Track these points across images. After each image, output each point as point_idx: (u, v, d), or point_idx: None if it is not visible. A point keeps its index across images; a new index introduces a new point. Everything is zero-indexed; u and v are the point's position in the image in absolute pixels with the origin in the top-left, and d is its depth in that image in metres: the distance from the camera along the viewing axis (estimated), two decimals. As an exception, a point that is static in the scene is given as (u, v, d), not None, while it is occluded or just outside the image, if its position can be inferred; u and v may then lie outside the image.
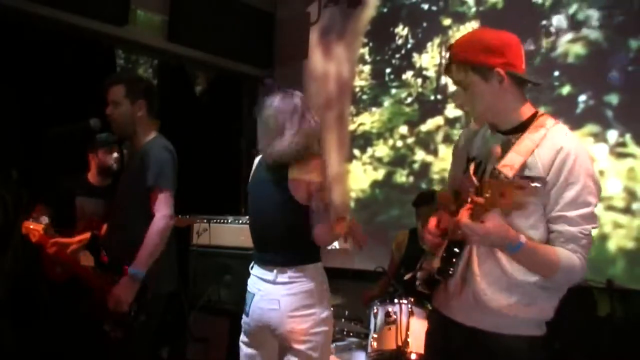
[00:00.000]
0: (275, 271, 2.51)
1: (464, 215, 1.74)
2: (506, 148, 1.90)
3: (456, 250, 1.90)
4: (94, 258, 3.01)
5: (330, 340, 2.56)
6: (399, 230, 4.55)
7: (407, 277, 2.10)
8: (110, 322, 2.79)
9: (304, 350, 2.44)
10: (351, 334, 3.84)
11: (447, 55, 1.98)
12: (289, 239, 2.51)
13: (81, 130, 3.16)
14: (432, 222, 1.99)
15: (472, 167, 1.96)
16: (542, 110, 2.01)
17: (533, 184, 1.68)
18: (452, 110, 4.85)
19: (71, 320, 3.30)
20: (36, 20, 4.31)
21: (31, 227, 3.27)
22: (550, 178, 1.82)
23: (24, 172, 3.80)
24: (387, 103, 5.29)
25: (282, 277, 2.49)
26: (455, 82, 1.96)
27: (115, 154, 3.85)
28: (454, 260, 1.90)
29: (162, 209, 2.78)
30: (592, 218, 1.84)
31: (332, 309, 2.58)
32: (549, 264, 1.82)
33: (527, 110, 1.95)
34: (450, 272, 1.90)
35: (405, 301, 3.32)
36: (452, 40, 4.16)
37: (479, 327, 1.92)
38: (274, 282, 2.50)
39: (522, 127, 1.92)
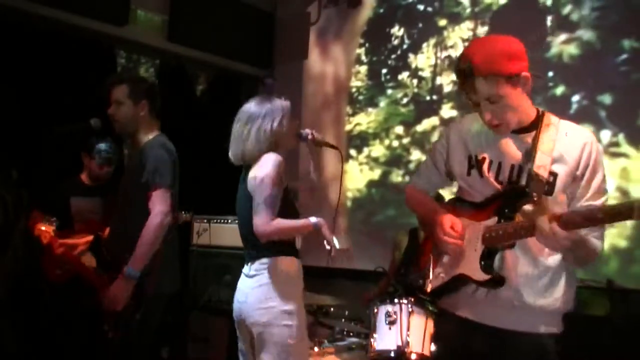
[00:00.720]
0: (248, 265, 2.64)
1: (556, 228, 1.74)
2: (522, 148, 1.95)
3: (493, 257, 1.92)
4: (96, 259, 3.01)
5: (300, 335, 2.54)
6: (395, 230, 4.56)
7: (428, 288, 2.07)
8: (110, 322, 2.79)
9: (268, 342, 2.50)
10: (351, 334, 3.84)
11: (462, 69, 1.89)
12: (253, 235, 2.55)
13: (81, 130, 3.16)
14: (447, 224, 1.97)
15: (486, 168, 1.99)
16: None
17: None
18: (447, 111, 4.86)
19: (71, 320, 3.30)
20: (36, 21, 4.31)
21: (42, 229, 3.27)
22: (581, 171, 1.90)
23: (25, 172, 3.81)
24: (383, 103, 5.30)
25: (252, 271, 2.60)
26: (483, 99, 1.89)
27: (108, 169, 3.85)
28: (494, 267, 1.91)
29: (158, 206, 2.78)
30: (604, 200, 1.93)
31: (300, 303, 2.59)
32: (592, 252, 1.90)
33: (532, 108, 2.00)
34: (501, 279, 1.90)
35: (405, 301, 3.32)
36: (448, 42, 4.20)
37: (510, 328, 1.94)
38: (247, 276, 2.62)
39: (533, 126, 1.96)
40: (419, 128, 5.04)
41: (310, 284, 3.91)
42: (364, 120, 5.40)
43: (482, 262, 1.91)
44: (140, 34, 4.91)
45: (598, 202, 1.90)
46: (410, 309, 3.27)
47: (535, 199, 1.87)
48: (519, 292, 1.92)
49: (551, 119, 1.97)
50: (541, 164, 1.89)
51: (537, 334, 1.94)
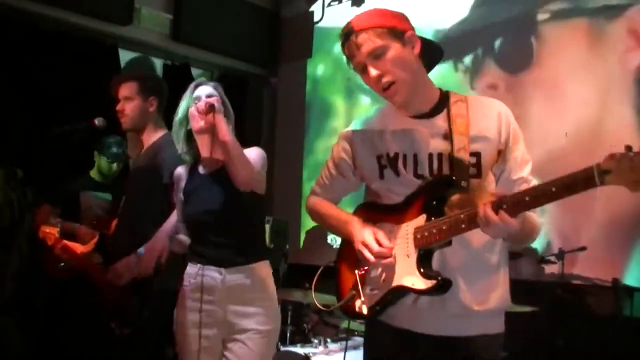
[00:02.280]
0: None
1: (505, 216, 1.55)
2: (435, 133, 1.78)
3: (430, 259, 1.70)
4: (102, 256, 3.01)
5: None
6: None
7: (365, 310, 1.76)
8: (116, 319, 2.79)
9: None
10: (356, 333, 3.83)
11: (343, 33, 1.78)
12: None
13: (84, 129, 3.16)
14: (368, 236, 1.73)
15: (401, 164, 1.80)
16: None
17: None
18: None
19: (77, 318, 3.31)
20: (40, 20, 4.31)
21: (47, 230, 3.28)
22: (503, 143, 1.77)
23: (29, 172, 3.82)
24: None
25: None
26: (366, 55, 1.74)
27: (118, 166, 3.87)
28: (434, 270, 1.70)
29: None
30: (529, 161, 1.82)
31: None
32: (536, 230, 1.77)
33: (434, 88, 1.86)
34: (447, 282, 1.66)
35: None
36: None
37: (458, 335, 1.75)
38: None
39: (441, 106, 1.81)
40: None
41: (315, 283, 3.92)
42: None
43: (421, 269, 1.68)
44: (144, 33, 4.91)
45: (525, 171, 1.77)
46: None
47: (464, 185, 1.69)
48: (463, 295, 1.72)
49: (457, 96, 1.83)
50: (460, 146, 1.72)
51: (486, 336, 1.76)
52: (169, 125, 3.14)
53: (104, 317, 2.84)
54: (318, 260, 4.87)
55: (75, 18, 4.44)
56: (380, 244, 1.71)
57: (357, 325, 3.91)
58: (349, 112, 5.33)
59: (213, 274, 2.42)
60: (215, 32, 5.26)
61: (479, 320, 1.76)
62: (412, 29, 1.80)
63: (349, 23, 1.79)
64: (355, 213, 1.93)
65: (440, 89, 1.87)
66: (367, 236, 1.74)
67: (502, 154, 1.77)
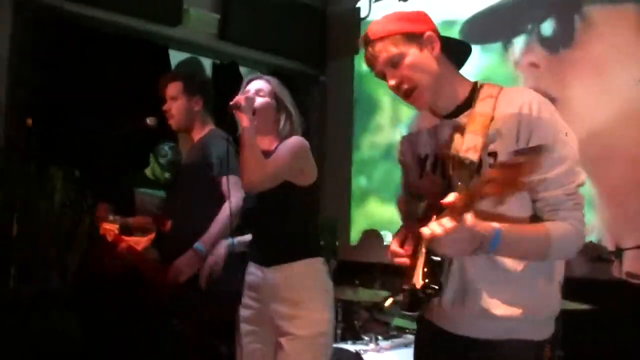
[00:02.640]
0: None
1: (427, 227, 1.49)
2: (456, 132, 1.71)
3: (436, 259, 1.63)
4: (160, 253, 3.07)
5: None
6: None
7: (387, 304, 1.79)
8: (175, 315, 2.84)
9: None
10: (407, 331, 3.81)
11: (362, 41, 1.78)
12: None
13: (138, 129, 3.23)
14: (396, 242, 1.75)
15: (429, 165, 1.79)
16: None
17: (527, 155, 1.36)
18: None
19: (135, 313, 3.38)
20: (95, 24, 4.41)
21: (107, 227, 3.37)
22: (521, 142, 1.61)
23: (87, 172, 3.92)
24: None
25: None
26: (384, 64, 1.73)
27: (171, 172, 3.92)
28: (437, 271, 1.64)
29: (236, 193, 2.80)
30: (573, 174, 1.62)
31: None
32: (539, 242, 1.60)
33: (465, 85, 1.78)
34: (438, 287, 1.62)
35: (404, 307, 3.26)
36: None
37: (480, 337, 1.71)
38: None
39: (467, 104, 1.73)
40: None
41: (365, 280, 3.92)
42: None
43: (425, 269, 1.64)
44: (193, 33, 4.98)
45: (550, 173, 1.58)
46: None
47: (460, 189, 1.57)
48: (484, 299, 1.67)
49: (490, 90, 1.72)
50: (470, 146, 1.64)
51: (515, 341, 1.68)
52: (217, 124, 3.19)
53: (163, 313, 2.89)
54: (369, 257, 4.91)
55: (127, 20, 4.53)
56: (399, 252, 1.72)
57: (408, 322, 3.88)
58: (395, 108, 5.29)
59: (256, 272, 2.43)
60: (262, 30, 5.28)
61: (504, 324, 1.68)
62: (432, 28, 1.76)
63: (365, 33, 1.78)
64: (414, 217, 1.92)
65: (476, 83, 1.78)
66: (392, 241, 1.79)
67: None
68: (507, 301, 1.67)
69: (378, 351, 3.47)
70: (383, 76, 1.77)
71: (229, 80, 5.27)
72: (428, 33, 1.73)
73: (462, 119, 1.73)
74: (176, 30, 4.83)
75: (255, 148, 2.30)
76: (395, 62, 1.72)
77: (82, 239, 3.77)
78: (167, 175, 3.92)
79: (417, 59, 1.72)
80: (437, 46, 1.73)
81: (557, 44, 4.30)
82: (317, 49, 5.80)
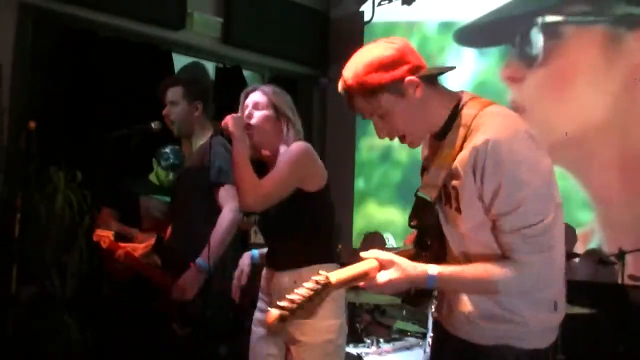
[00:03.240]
0: None
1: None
2: (427, 165, 1.71)
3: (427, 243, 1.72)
4: (161, 258, 3.08)
5: None
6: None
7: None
8: (178, 319, 2.84)
9: None
10: (409, 334, 3.81)
11: (342, 91, 1.69)
12: None
13: (142, 133, 3.24)
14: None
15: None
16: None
17: None
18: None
19: (138, 318, 3.38)
20: (98, 27, 4.43)
21: (101, 234, 3.37)
22: (477, 184, 1.55)
23: (88, 175, 3.94)
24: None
25: None
26: (367, 115, 1.69)
27: (173, 175, 3.93)
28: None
29: (230, 203, 2.82)
30: (534, 214, 1.53)
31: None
32: (482, 283, 1.59)
33: (447, 106, 1.67)
34: (426, 295, 1.76)
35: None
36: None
37: (478, 341, 1.69)
38: None
39: (444, 131, 1.66)
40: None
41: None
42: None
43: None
44: (196, 37, 5.00)
45: (504, 220, 1.54)
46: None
47: (414, 224, 1.65)
48: (470, 306, 1.68)
49: (467, 115, 1.62)
50: (429, 183, 1.63)
51: (503, 347, 1.66)
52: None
53: (164, 318, 2.90)
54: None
55: (131, 24, 4.55)
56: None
57: (410, 325, 3.89)
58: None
59: (268, 276, 2.45)
60: (266, 34, 5.30)
61: (495, 332, 1.66)
62: (410, 65, 1.63)
63: (343, 82, 1.68)
64: None
65: (458, 103, 1.67)
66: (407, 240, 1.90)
67: (479, 194, 1.56)
68: (495, 310, 1.65)
69: (380, 354, 3.47)
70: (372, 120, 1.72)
71: (232, 84, 5.30)
72: (408, 79, 1.62)
73: (439, 145, 1.68)
74: (179, 34, 4.85)
75: (246, 168, 2.28)
76: (381, 114, 1.66)
77: (82, 243, 3.78)
78: (169, 178, 3.93)
79: (402, 108, 1.64)
80: (420, 87, 1.63)
81: (530, 59, 4.47)
82: (320, 52, 5.81)
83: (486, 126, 1.57)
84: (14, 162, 3.80)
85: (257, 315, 2.50)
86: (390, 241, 5.02)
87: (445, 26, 5.13)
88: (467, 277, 1.61)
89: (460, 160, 1.58)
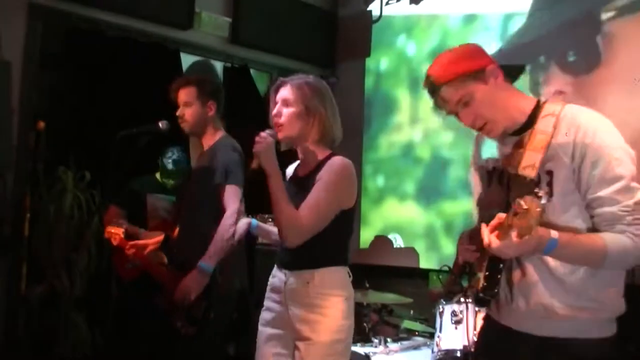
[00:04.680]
0: None
1: (492, 239, 1.65)
2: (520, 147, 1.83)
3: (499, 266, 1.81)
4: (167, 257, 3.09)
5: None
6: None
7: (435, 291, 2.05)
8: (182, 319, 2.85)
9: None
10: (416, 333, 3.81)
11: (427, 87, 1.88)
12: None
13: (150, 132, 3.25)
14: (466, 237, 1.95)
15: (495, 178, 1.94)
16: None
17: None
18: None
19: (143, 317, 3.40)
20: (106, 27, 4.45)
21: (112, 231, 3.39)
22: (576, 162, 1.73)
23: (96, 175, 3.95)
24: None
25: None
26: (455, 105, 1.85)
27: (178, 176, 3.92)
28: (498, 277, 1.83)
29: (233, 204, 2.84)
30: (629, 191, 1.70)
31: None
32: (595, 251, 1.69)
33: (528, 103, 1.88)
34: (496, 290, 1.84)
35: (471, 300, 3.27)
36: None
37: (547, 335, 1.82)
38: None
39: (530, 123, 1.84)
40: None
41: (374, 282, 3.92)
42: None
43: (486, 272, 1.83)
44: (204, 36, 5.00)
45: (604, 192, 1.70)
46: (477, 309, 3.22)
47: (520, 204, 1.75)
48: (536, 298, 1.81)
49: (552, 107, 1.82)
50: (528, 163, 1.75)
51: (567, 340, 1.79)
52: (228, 126, 3.21)
53: (170, 316, 2.91)
54: (378, 259, 4.89)
55: (139, 24, 4.56)
56: (467, 246, 1.92)
57: (417, 325, 3.89)
58: (414, 106, 5.23)
59: (280, 276, 2.44)
60: (274, 33, 5.30)
61: (566, 323, 1.79)
62: (489, 59, 1.86)
63: (428, 77, 1.87)
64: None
65: (539, 101, 1.88)
66: (462, 238, 1.98)
67: (576, 173, 1.74)
68: (569, 301, 1.78)
69: (387, 353, 3.48)
70: (455, 114, 1.88)
71: (240, 83, 5.32)
72: (490, 67, 1.83)
73: (525, 137, 1.83)
74: (187, 33, 4.86)
75: (284, 203, 2.25)
76: (466, 102, 1.83)
77: (90, 242, 3.80)
78: (173, 177, 3.93)
79: (486, 95, 1.82)
80: (500, 76, 1.84)
81: (582, 67, 4.20)
82: (328, 51, 5.81)
83: (580, 115, 1.78)
84: (22, 162, 3.82)
85: (264, 315, 2.50)
86: (399, 242, 5.02)
87: (466, 19, 5.03)
88: (583, 244, 1.71)
89: (560, 141, 1.75)
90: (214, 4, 5.06)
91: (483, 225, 1.70)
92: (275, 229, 2.45)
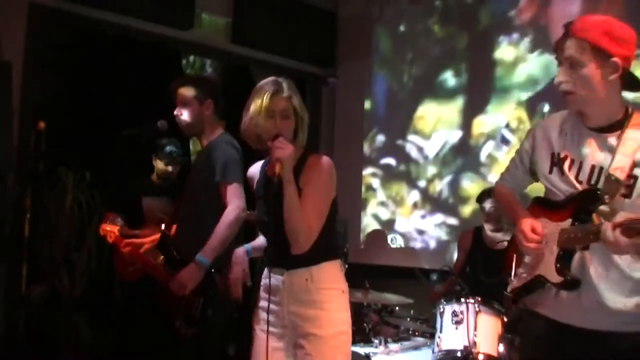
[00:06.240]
0: None
1: (618, 236, 1.71)
2: (604, 148, 1.92)
3: (570, 259, 1.90)
4: (165, 256, 3.09)
5: None
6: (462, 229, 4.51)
7: (510, 290, 2.10)
8: (180, 319, 2.85)
9: None
10: (417, 333, 3.81)
11: (564, 26, 1.93)
12: None
13: (149, 132, 3.25)
14: (527, 227, 1.98)
15: (567, 166, 1.98)
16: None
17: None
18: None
19: (143, 317, 3.40)
20: (107, 27, 4.45)
21: (107, 228, 3.39)
22: None
23: (97, 175, 3.96)
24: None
25: None
26: (565, 58, 1.91)
27: (174, 168, 3.94)
28: (570, 269, 1.90)
29: (234, 200, 2.84)
30: None
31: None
32: None
33: (620, 108, 1.95)
34: (575, 282, 1.89)
35: (472, 300, 3.27)
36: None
37: (601, 329, 1.89)
38: None
39: (618, 125, 1.92)
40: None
41: (375, 282, 3.91)
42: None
43: (557, 265, 1.91)
44: (205, 37, 5.01)
45: None
46: (477, 309, 3.22)
47: (607, 201, 1.84)
48: (601, 293, 1.89)
49: (638, 119, 1.91)
50: (619, 166, 1.85)
51: (625, 333, 1.87)
52: (228, 126, 3.21)
53: (169, 317, 2.90)
54: (378, 259, 4.86)
55: (140, 24, 4.57)
56: (535, 232, 1.96)
57: (418, 325, 3.88)
58: (417, 108, 5.23)
59: (277, 275, 2.43)
60: (274, 34, 5.31)
61: (620, 317, 1.87)
62: (625, 54, 1.86)
63: (573, 22, 1.90)
64: (529, 205, 2.16)
65: (628, 108, 1.95)
66: (524, 225, 1.99)
67: None
68: (624, 295, 1.87)
69: (387, 354, 3.47)
70: (558, 63, 1.93)
71: (240, 83, 5.32)
72: (615, 59, 1.85)
73: (612, 137, 1.92)
74: (188, 33, 4.86)
75: (299, 212, 2.24)
76: (573, 64, 1.88)
77: (91, 242, 3.80)
78: (169, 169, 3.92)
79: (592, 74, 1.87)
80: (616, 74, 1.87)
81: None
82: (328, 51, 5.81)
83: None
84: (23, 162, 3.82)
85: (260, 314, 2.49)
86: (399, 241, 5.01)
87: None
88: None
89: None
90: (215, 5, 5.07)
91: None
92: (261, 240, 2.53)
